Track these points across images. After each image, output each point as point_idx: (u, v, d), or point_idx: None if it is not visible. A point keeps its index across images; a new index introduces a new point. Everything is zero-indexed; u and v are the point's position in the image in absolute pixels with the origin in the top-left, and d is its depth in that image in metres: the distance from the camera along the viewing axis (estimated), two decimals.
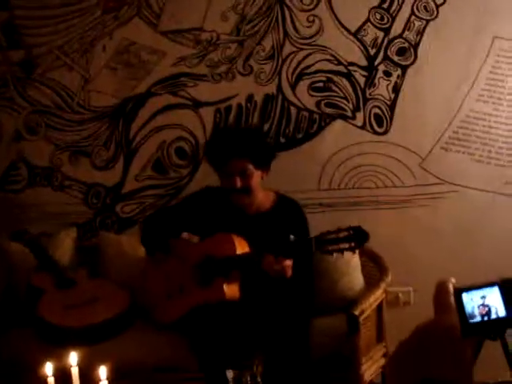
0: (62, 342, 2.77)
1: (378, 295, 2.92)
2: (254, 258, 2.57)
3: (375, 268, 3.16)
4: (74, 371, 2.07)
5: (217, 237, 2.74)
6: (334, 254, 2.35)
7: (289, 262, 2.52)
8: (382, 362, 2.99)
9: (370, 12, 3.31)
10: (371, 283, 3.07)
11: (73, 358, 2.08)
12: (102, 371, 2.03)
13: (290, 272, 2.55)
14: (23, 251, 3.26)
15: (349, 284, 3.03)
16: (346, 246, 2.32)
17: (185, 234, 2.84)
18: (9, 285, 3.24)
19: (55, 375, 2.06)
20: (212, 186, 2.90)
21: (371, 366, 2.88)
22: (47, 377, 2.05)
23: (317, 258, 2.79)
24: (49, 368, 2.06)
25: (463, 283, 3.28)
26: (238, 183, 2.71)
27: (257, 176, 2.75)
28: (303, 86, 3.39)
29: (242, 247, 2.65)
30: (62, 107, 3.52)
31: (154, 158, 3.50)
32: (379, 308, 2.99)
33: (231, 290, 2.63)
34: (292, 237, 2.47)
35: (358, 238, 2.32)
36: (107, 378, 2.03)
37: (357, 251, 2.37)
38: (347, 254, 2.37)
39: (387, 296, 3.14)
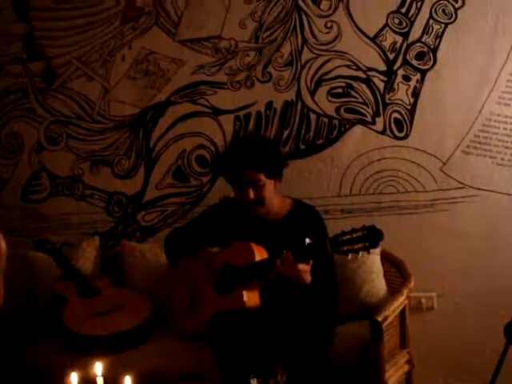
0: (85, 350, 2.79)
1: (400, 301, 2.89)
2: (270, 263, 2.56)
3: (397, 274, 3.14)
4: (100, 381, 2.08)
5: (235, 245, 2.74)
6: (350, 255, 2.34)
7: (305, 267, 2.50)
8: (406, 368, 2.98)
9: (388, 17, 3.30)
10: (394, 289, 3.06)
11: (98, 368, 2.09)
12: (127, 381, 2.04)
13: (307, 277, 2.53)
14: (47, 260, 3.29)
15: (371, 290, 3.02)
16: (361, 245, 2.31)
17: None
18: (32, 294, 3.27)
19: None
20: (230, 196, 2.90)
21: (395, 373, 2.85)
22: None
23: (339, 266, 2.78)
24: (74, 378, 2.06)
25: (485, 287, 3.30)
26: (252, 195, 2.71)
27: (269, 185, 2.75)
28: (322, 92, 3.38)
29: (260, 254, 2.65)
30: (83, 117, 3.56)
31: (174, 166, 3.52)
32: (402, 314, 2.97)
33: (251, 298, 2.62)
34: (307, 240, 2.46)
35: (371, 237, 2.30)
36: None
37: (371, 251, 2.34)
38: (362, 254, 2.35)
39: (410, 302, 3.12)
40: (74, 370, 2.09)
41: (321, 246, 2.40)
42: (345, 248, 2.33)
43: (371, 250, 2.33)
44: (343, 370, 2.73)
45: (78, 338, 2.87)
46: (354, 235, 2.32)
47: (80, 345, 2.85)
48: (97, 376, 2.08)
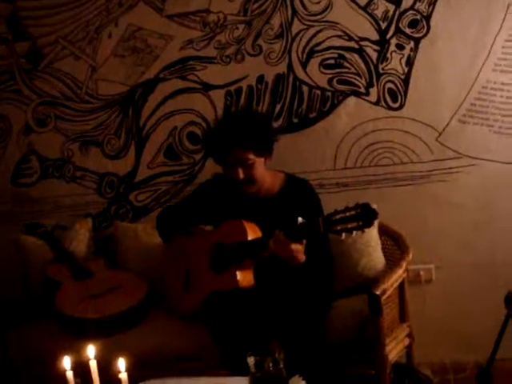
0: (79, 333, 2.76)
1: (399, 274, 2.86)
2: (263, 242, 2.52)
3: (395, 246, 3.11)
4: (93, 364, 2.04)
5: (228, 224, 2.69)
6: (343, 234, 2.28)
7: (298, 246, 2.45)
8: (407, 341, 2.95)
9: None
10: (392, 262, 3.03)
11: (90, 351, 2.04)
12: (121, 363, 2.00)
13: (301, 256, 2.48)
14: (38, 244, 3.25)
15: (369, 264, 2.99)
16: (354, 224, 2.25)
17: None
18: (24, 278, 3.23)
19: (74, 369, 2.02)
20: (221, 172, 2.84)
21: (396, 347, 2.82)
22: (66, 371, 2.01)
23: (335, 241, 2.74)
24: (67, 362, 2.02)
25: (483, 258, 3.27)
26: (241, 174, 2.65)
27: (259, 163, 2.68)
28: (314, 63, 3.31)
29: (253, 232, 2.60)
30: (71, 97, 3.49)
31: (165, 144, 3.46)
32: (401, 287, 2.93)
33: (245, 278, 2.58)
34: (300, 219, 2.40)
35: (366, 215, 2.25)
36: (126, 370, 1.99)
37: (366, 230, 2.29)
38: (356, 233, 2.29)
39: (408, 274, 3.08)
40: (67, 354, 2.04)
41: (313, 226, 2.35)
42: (338, 227, 2.28)
43: (365, 230, 2.28)
44: (342, 345, 2.72)
45: (71, 321, 2.84)
46: (348, 214, 2.27)
47: (74, 328, 2.82)
48: (90, 359, 2.04)
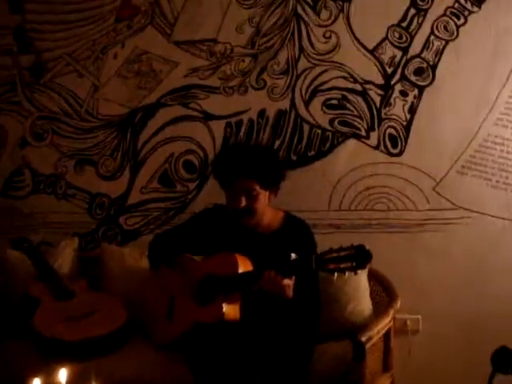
0: (55, 355, 2.67)
1: (386, 322, 2.81)
2: (253, 276, 2.47)
3: (384, 293, 3.07)
4: None
5: (220, 255, 2.66)
6: (335, 274, 2.25)
7: (289, 282, 2.42)
8: None
9: (388, 30, 3.24)
10: (380, 309, 2.98)
11: (62, 375, 1.98)
12: None
13: (290, 292, 2.45)
14: (22, 259, 3.19)
15: (357, 309, 2.94)
16: (348, 265, 2.23)
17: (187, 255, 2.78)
18: (5, 294, 3.16)
19: None
20: (220, 204, 2.80)
21: None
22: None
23: (324, 282, 2.70)
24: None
25: (472, 313, 3.22)
26: (243, 203, 2.62)
27: (263, 197, 2.65)
28: (317, 102, 3.31)
29: (244, 266, 2.56)
30: (70, 114, 3.47)
31: (161, 170, 3.43)
32: (387, 336, 2.88)
33: (231, 311, 2.53)
34: (293, 255, 2.38)
35: (359, 257, 2.22)
36: None
37: (359, 271, 2.26)
38: (349, 274, 2.26)
39: (395, 323, 3.03)
40: (37, 376, 1.98)
41: (306, 263, 2.32)
42: (331, 266, 2.26)
43: (358, 271, 2.24)
44: None
45: (47, 342, 2.75)
46: (342, 254, 2.25)
47: (49, 349, 2.74)
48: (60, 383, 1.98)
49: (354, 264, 2.22)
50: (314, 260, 2.29)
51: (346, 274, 2.24)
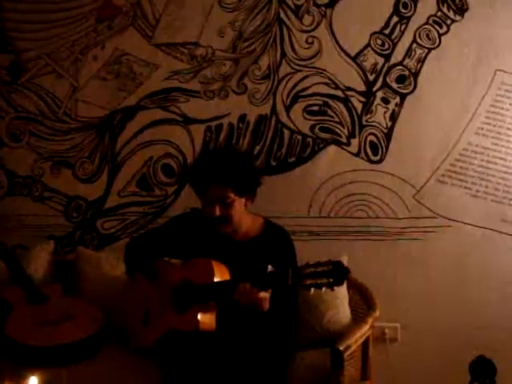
0: (27, 361, 2.61)
1: (364, 330, 2.78)
2: (228, 287, 2.44)
3: (362, 301, 3.04)
4: None
5: (197, 262, 2.61)
6: (312, 289, 2.23)
7: (265, 294, 2.39)
8: None
9: (370, 37, 3.23)
10: (358, 317, 2.95)
11: (32, 383, 1.93)
12: None
13: (266, 305, 2.41)
14: None
15: (335, 317, 2.91)
16: (325, 281, 2.20)
17: (165, 259, 2.74)
18: None
19: None
20: (198, 207, 2.76)
21: None
22: None
23: (303, 291, 2.66)
24: None
25: (451, 322, 3.22)
26: (217, 211, 2.57)
27: (239, 204, 2.60)
28: (298, 108, 3.29)
29: (221, 275, 2.52)
30: (48, 115, 3.42)
31: (139, 173, 3.39)
32: (365, 344, 2.85)
33: (206, 320, 2.49)
34: (270, 267, 2.34)
35: (337, 273, 2.20)
36: None
37: (335, 288, 2.23)
38: (326, 291, 2.23)
39: (373, 331, 3.01)
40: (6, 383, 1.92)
41: (282, 277, 2.29)
42: (307, 282, 2.23)
43: (335, 288, 2.21)
44: None
45: (18, 347, 2.68)
46: (319, 269, 2.22)
47: (20, 354, 2.67)
48: None
49: (331, 280, 2.19)
50: (290, 274, 2.26)
51: (323, 289, 2.21)
